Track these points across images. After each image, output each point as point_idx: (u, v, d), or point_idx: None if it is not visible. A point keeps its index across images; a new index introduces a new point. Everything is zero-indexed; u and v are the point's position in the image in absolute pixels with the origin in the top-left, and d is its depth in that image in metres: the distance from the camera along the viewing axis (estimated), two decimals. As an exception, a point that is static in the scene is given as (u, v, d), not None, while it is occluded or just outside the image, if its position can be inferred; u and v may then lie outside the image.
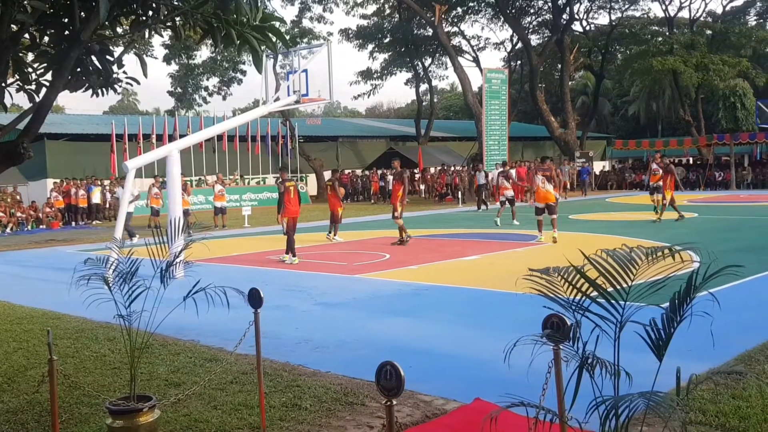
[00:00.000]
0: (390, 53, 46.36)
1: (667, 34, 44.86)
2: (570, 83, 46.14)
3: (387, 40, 45.07)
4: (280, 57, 23.51)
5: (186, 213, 16.40)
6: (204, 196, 29.39)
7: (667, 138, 46.30)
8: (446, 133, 49.32)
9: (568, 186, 33.00)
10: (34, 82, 4.50)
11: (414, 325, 7.72)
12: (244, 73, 41.49)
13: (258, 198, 32.97)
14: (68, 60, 4.06)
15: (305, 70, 14.97)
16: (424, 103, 47.79)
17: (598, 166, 43.97)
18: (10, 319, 8.66)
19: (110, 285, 4.19)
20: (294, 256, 13.22)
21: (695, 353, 5.49)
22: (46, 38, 4.40)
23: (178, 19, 4.20)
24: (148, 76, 4.61)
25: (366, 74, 47.41)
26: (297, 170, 35.82)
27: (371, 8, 44.57)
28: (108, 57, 4.52)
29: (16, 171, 27.22)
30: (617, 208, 25.63)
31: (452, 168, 37.30)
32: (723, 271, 2.53)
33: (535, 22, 46.64)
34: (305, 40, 38.36)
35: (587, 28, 46.66)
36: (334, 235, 16.81)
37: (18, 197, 27.09)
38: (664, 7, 46.16)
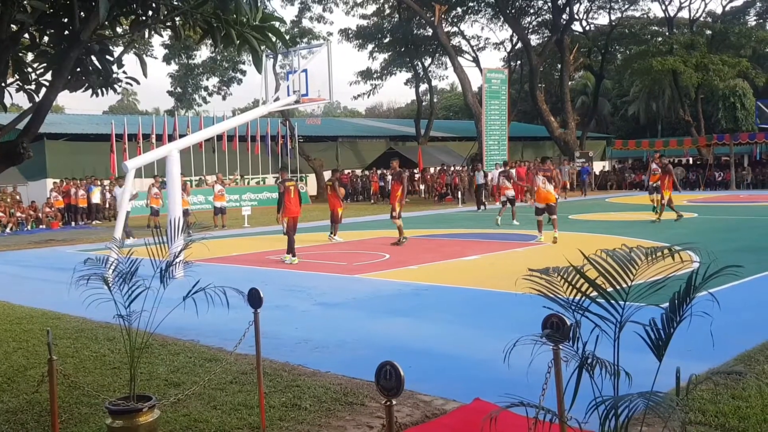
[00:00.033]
0: (390, 53, 46.36)
1: (667, 34, 44.87)
2: (570, 83, 46.14)
3: (387, 40, 45.06)
4: (279, 57, 23.49)
5: (185, 213, 16.41)
6: (204, 196, 29.39)
7: (667, 138, 46.30)
8: (446, 133, 49.33)
9: (568, 186, 32.99)
10: (33, 82, 4.50)
11: (414, 325, 7.72)
12: (243, 73, 41.57)
13: (258, 198, 32.96)
14: (68, 60, 4.06)
15: (305, 70, 14.97)
16: (423, 103, 47.79)
17: (598, 166, 43.97)
18: (10, 319, 8.66)
19: (110, 285, 4.19)
20: (294, 256, 13.22)
21: (695, 353, 5.49)
22: (46, 38, 4.40)
23: (177, 19, 4.20)
24: (148, 76, 4.61)
25: (366, 74, 47.42)
26: (297, 170, 35.82)
27: (371, 8, 44.64)
28: (108, 57, 4.52)
29: (16, 171, 27.22)
30: (617, 208, 25.63)
31: (452, 168, 37.31)
32: (722, 271, 2.53)
33: (534, 22, 46.66)
34: (305, 40, 38.38)
35: (587, 28, 46.69)
36: (334, 235, 16.81)
37: (18, 197, 27.09)
38: (663, 7, 46.23)
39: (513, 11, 42.58)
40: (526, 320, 5.05)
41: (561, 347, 2.78)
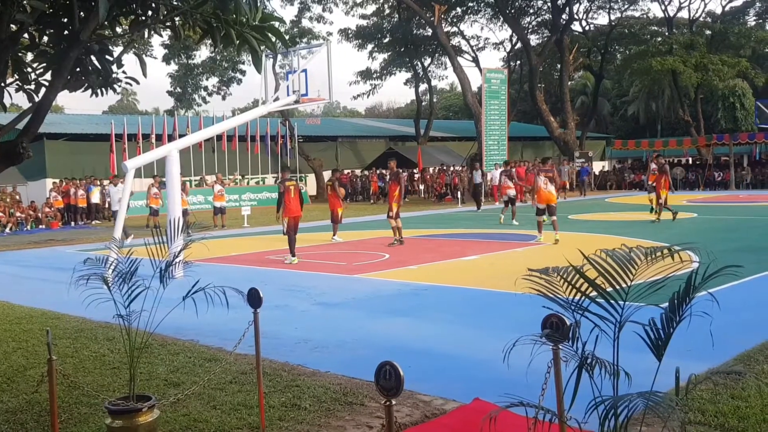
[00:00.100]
0: (389, 53, 46.35)
1: (667, 34, 44.88)
2: (569, 83, 46.14)
3: (386, 40, 45.05)
4: (279, 57, 23.48)
5: (184, 213, 16.40)
6: (203, 196, 29.38)
7: (667, 138, 46.31)
8: (446, 133, 49.33)
9: (567, 186, 32.99)
10: (33, 82, 4.50)
11: (413, 325, 7.72)
12: (243, 73, 41.59)
13: (257, 198, 32.95)
14: (67, 60, 4.06)
15: (305, 70, 14.97)
16: (423, 103, 47.78)
17: (598, 166, 43.98)
18: (10, 319, 8.66)
19: (109, 285, 4.19)
20: (293, 256, 13.22)
21: (694, 353, 5.50)
22: (46, 38, 4.40)
23: (177, 19, 4.20)
24: (148, 75, 4.61)
25: (365, 74, 47.41)
26: (296, 170, 35.81)
27: (371, 8, 44.62)
28: (107, 57, 4.52)
29: (16, 171, 27.21)
30: (616, 208, 25.64)
31: (451, 168, 37.31)
32: (722, 271, 2.53)
33: (534, 22, 46.65)
34: (305, 40, 38.37)
35: (587, 28, 46.69)
36: (333, 234, 16.83)
37: (17, 197, 27.08)
38: (663, 8, 46.26)
39: (512, 11, 42.58)
40: (526, 320, 5.05)
41: (560, 347, 2.78)
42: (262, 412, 4.68)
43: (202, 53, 41.65)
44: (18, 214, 25.40)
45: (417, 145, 42.08)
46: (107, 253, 4.62)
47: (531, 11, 45.50)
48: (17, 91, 4.51)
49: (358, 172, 39.63)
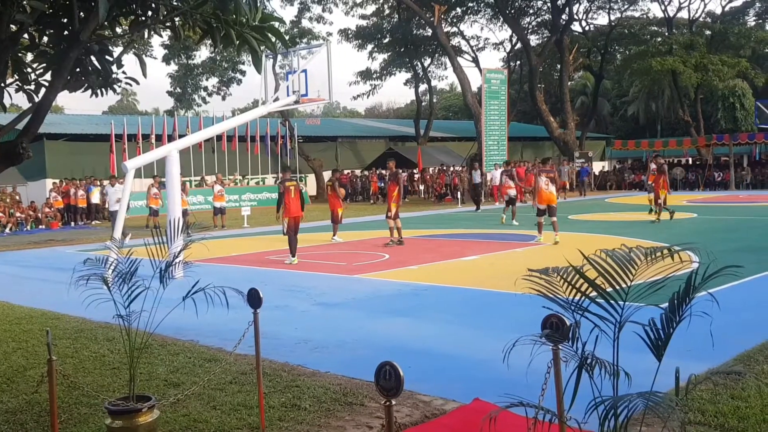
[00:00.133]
0: (389, 53, 46.33)
1: (666, 34, 44.88)
2: (569, 83, 46.13)
3: (386, 40, 45.04)
4: (279, 57, 23.47)
5: (184, 213, 16.40)
6: (203, 196, 29.39)
7: (667, 138, 46.31)
8: (445, 134, 49.32)
9: (567, 186, 33.00)
10: (33, 83, 4.50)
11: (413, 326, 7.72)
12: (243, 73, 41.58)
13: (257, 198, 32.95)
14: (67, 60, 4.06)
15: (304, 71, 14.97)
16: (423, 104, 47.78)
17: (598, 167, 43.98)
18: (9, 320, 8.66)
19: (109, 285, 4.19)
20: (293, 256, 13.22)
21: (694, 353, 5.50)
22: (46, 38, 4.40)
23: (177, 19, 4.20)
24: (148, 76, 4.61)
25: (365, 74, 47.40)
26: (296, 170, 35.82)
27: (370, 8, 44.61)
28: (107, 57, 4.52)
29: (16, 171, 27.20)
30: (616, 208, 25.64)
31: (451, 168, 37.31)
32: (722, 271, 2.53)
33: (534, 23, 46.64)
34: (304, 40, 38.36)
35: (586, 28, 46.69)
36: (333, 235, 16.83)
37: (17, 197, 27.07)
38: (663, 8, 46.27)
39: (512, 11, 42.58)
40: (526, 320, 5.05)
41: (560, 347, 2.79)
42: (261, 412, 4.68)
43: (202, 53, 41.69)
44: (18, 214, 25.40)
45: (417, 146, 42.08)
46: (107, 254, 4.62)
47: (531, 11, 45.50)
48: (17, 91, 4.51)
49: (357, 172, 39.62)
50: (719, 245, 12.49)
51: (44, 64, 4.38)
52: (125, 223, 16.03)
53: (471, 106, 36.80)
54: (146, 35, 9.37)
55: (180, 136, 24.18)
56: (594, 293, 2.56)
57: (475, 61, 45.05)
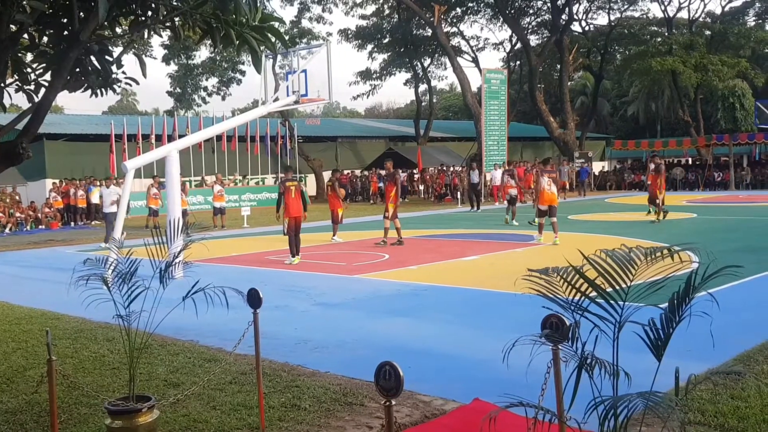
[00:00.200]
0: (389, 53, 46.34)
1: (666, 34, 44.89)
2: (569, 83, 46.13)
3: (386, 40, 45.05)
4: (279, 57, 23.48)
5: (184, 213, 16.40)
6: (203, 196, 29.39)
7: (666, 138, 46.32)
8: (445, 134, 49.33)
9: (567, 186, 33.00)
10: (33, 83, 4.50)
11: (413, 326, 7.72)
12: (243, 73, 41.58)
13: (257, 198, 32.94)
14: (67, 60, 4.06)
15: (304, 71, 14.97)
16: (423, 104, 47.79)
17: (597, 167, 43.99)
18: (9, 320, 8.66)
19: (109, 285, 4.19)
20: (293, 256, 13.22)
21: (694, 353, 5.50)
22: (45, 38, 4.40)
23: (177, 19, 4.20)
24: (148, 76, 4.61)
25: (365, 74, 47.41)
26: (296, 170, 35.82)
27: (370, 8, 44.61)
28: (107, 57, 4.52)
29: (15, 171, 27.20)
30: (616, 208, 25.64)
31: (451, 168, 37.31)
32: (722, 271, 2.53)
33: (534, 23, 46.65)
34: (304, 40, 38.36)
35: (586, 28, 46.69)
36: (333, 235, 16.83)
37: (17, 197, 27.07)
38: (663, 8, 46.27)
39: (512, 11, 42.58)
40: (526, 320, 5.05)
41: (560, 347, 2.78)
42: (261, 412, 4.68)
43: (202, 54, 41.69)
44: (18, 214, 25.40)
45: (417, 146, 42.08)
46: (107, 254, 4.62)
47: (531, 12, 45.51)
48: (17, 91, 4.51)
49: (357, 172, 39.63)
50: (719, 245, 12.49)
51: (44, 64, 4.38)
52: (127, 224, 16.08)
53: (471, 106, 36.81)
54: (146, 35, 9.36)
55: (180, 136, 24.19)
56: (594, 293, 2.56)
57: (475, 61, 45.06)
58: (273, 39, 4.23)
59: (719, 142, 37.46)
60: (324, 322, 8.07)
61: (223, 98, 42.97)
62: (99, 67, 4.48)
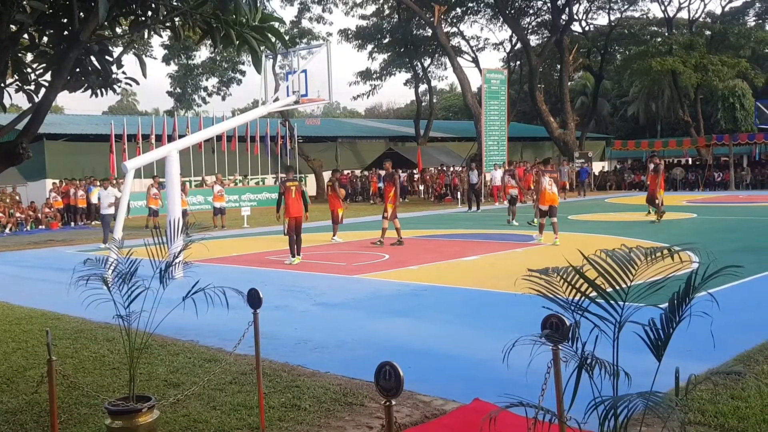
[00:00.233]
0: (389, 54, 46.36)
1: (666, 34, 44.89)
2: (569, 84, 46.13)
3: (386, 40, 45.06)
4: (279, 57, 23.50)
5: (184, 213, 16.39)
6: (203, 196, 29.39)
7: (667, 138, 46.32)
8: (445, 134, 49.33)
9: (567, 187, 33.01)
10: (33, 83, 4.50)
11: (413, 326, 7.72)
12: (243, 73, 41.58)
13: (257, 198, 32.94)
14: (67, 60, 4.06)
15: (304, 71, 14.97)
16: (423, 104, 47.79)
17: (597, 167, 43.99)
18: (9, 320, 8.66)
19: (109, 285, 4.19)
20: (293, 256, 13.22)
21: (694, 353, 5.50)
22: (45, 38, 4.40)
23: (177, 19, 4.20)
24: (148, 76, 4.61)
25: (365, 75, 47.42)
26: (296, 171, 35.82)
27: (370, 9, 44.62)
28: (107, 57, 4.52)
29: (15, 171, 27.20)
30: (616, 208, 25.64)
31: (451, 168, 37.32)
32: (722, 271, 2.53)
33: (534, 23, 46.65)
34: (304, 40, 38.36)
35: (586, 28, 46.69)
36: (333, 235, 16.84)
37: (17, 198, 27.07)
38: (663, 8, 46.27)
39: (512, 12, 42.58)
40: (526, 320, 5.05)
41: (560, 347, 2.78)
42: (261, 412, 4.68)
43: (202, 54, 41.70)
44: (18, 214, 25.40)
45: (417, 146, 42.09)
46: (107, 254, 4.62)
47: (531, 12, 45.50)
48: (17, 91, 4.51)
49: (357, 172, 39.63)
50: (719, 245, 12.49)
51: (44, 65, 4.38)
52: (127, 224, 16.07)
53: (471, 107, 36.81)
54: (146, 35, 9.36)
55: (180, 137, 24.18)
56: (594, 293, 2.56)
57: (475, 61, 45.07)
58: (273, 39, 4.23)
59: (719, 142, 37.45)
60: (324, 322, 8.07)
61: (223, 98, 43.01)
62: (99, 67, 4.48)
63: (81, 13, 4.08)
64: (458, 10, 43.66)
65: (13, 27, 4.05)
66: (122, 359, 6.05)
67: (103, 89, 4.62)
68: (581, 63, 45.38)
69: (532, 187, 20.37)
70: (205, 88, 42.93)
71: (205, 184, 32.16)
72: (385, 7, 44.53)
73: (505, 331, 6.17)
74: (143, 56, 6.27)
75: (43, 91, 4.43)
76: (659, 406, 2.26)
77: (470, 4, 43.73)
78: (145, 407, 4.06)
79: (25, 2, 3.77)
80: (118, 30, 4.49)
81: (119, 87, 4.76)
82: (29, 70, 4.50)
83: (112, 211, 16.59)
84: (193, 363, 6.29)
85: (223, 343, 6.81)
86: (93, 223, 26.79)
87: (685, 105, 45.99)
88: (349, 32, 45.01)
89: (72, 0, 3.94)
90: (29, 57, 4.61)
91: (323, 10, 40.90)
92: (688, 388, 2.63)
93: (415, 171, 38.87)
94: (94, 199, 27.32)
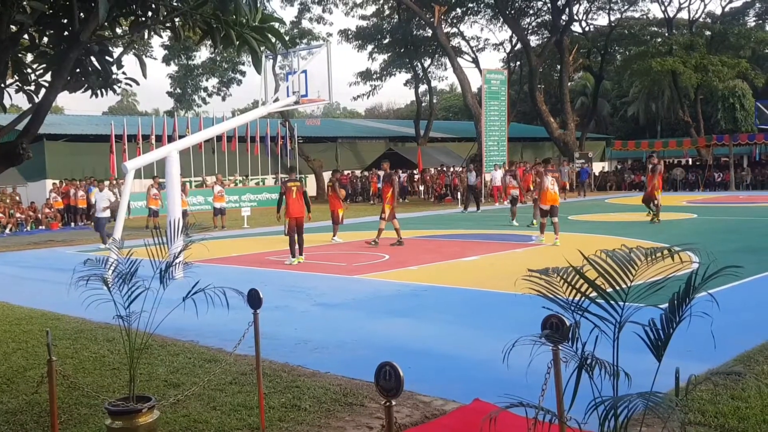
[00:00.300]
0: (389, 54, 46.37)
1: (666, 35, 44.90)
2: (569, 84, 46.13)
3: (386, 41, 45.07)
4: (279, 58, 23.51)
5: (184, 214, 16.39)
6: (203, 196, 29.39)
7: (667, 139, 46.30)
8: (445, 134, 49.34)
9: (567, 187, 33.01)
10: (33, 83, 4.50)
11: (413, 326, 7.72)
12: (243, 73, 41.58)
13: (257, 199, 32.94)
14: (67, 61, 4.06)
15: (304, 71, 14.98)
16: (423, 104, 47.80)
17: (598, 167, 43.99)
18: (9, 320, 8.66)
19: (109, 286, 4.19)
20: (293, 256, 13.22)
21: (694, 354, 5.50)
22: (46, 39, 4.40)
23: (177, 19, 4.20)
24: (148, 76, 4.61)
25: (365, 75, 47.43)
26: (296, 171, 35.82)
27: (370, 9, 44.65)
28: (107, 58, 4.52)
29: (16, 172, 27.19)
30: (616, 209, 25.64)
31: (451, 169, 37.32)
32: (722, 271, 2.53)
33: (534, 23, 46.67)
34: (305, 40, 38.36)
35: (586, 29, 46.70)
36: (333, 235, 16.83)
37: (17, 198, 27.08)
38: (663, 8, 46.31)
39: (512, 12, 42.59)
40: (526, 321, 5.05)
41: (560, 348, 2.78)
42: (262, 412, 4.68)
43: (202, 54, 41.71)
44: (18, 215, 25.41)
45: (417, 146, 42.09)
46: (107, 254, 4.62)
47: (531, 12, 45.52)
48: (17, 92, 4.51)
49: (358, 172, 39.64)
50: (719, 246, 12.49)
51: (44, 65, 4.39)
52: (127, 224, 16.05)
53: (471, 107, 36.82)
54: (146, 36, 9.37)
55: (180, 137, 24.17)
56: (594, 293, 2.56)
57: (475, 61, 45.07)
58: (273, 39, 4.23)
59: (719, 143, 37.45)
60: (324, 322, 8.07)
61: (224, 99, 42.98)
62: (99, 67, 4.48)
63: (81, 14, 4.08)
64: (458, 10, 43.68)
65: (13, 27, 4.05)
66: (122, 359, 6.05)
67: (103, 90, 4.62)
68: (581, 63, 45.38)
69: (532, 188, 20.37)
70: (205, 89, 42.96)
71: (205, 185, 32.17)
72: (385, 7, 44.54)
73: (505, 332, 6.17)
74: (143, 57, 6.27)
75: (43, 91, 4.43)
76: (659, 406, 2.26)
77: (470, 5, 43.74)
78: (145, 407, 4.06)
79: (25, 2, 3.77)
80: (118, 30, 4.50)
81: (119, 87, 4.77)
82: (29, 70, 4.50)
83: (107, 214, 16.56)
84: (193, 363, 6.29)
85: (223, 344, 6.81)
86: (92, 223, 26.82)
87: (685, 105, 46.00)
88: (349, 33, 45.03)
89: (72, 0, 3.94)
90: (29, 57, 4.61)
91: (323, 11, 40.97)
92: (688, 388, 2.63)
93: (415, 171, 38.87)
94: (94, 200, 27.36)
